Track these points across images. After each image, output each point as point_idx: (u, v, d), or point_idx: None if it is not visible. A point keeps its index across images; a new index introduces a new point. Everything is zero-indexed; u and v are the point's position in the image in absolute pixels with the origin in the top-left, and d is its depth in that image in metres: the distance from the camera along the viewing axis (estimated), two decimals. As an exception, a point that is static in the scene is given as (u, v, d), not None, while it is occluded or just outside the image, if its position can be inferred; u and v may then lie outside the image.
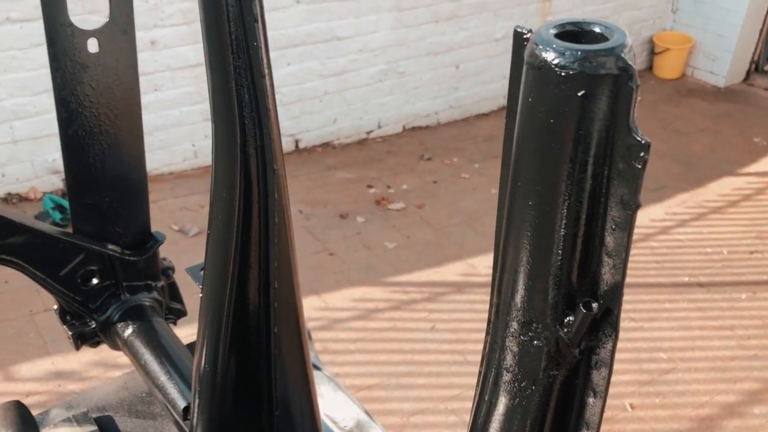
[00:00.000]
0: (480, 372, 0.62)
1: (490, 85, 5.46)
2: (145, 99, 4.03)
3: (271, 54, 3.61)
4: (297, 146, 4.78)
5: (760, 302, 3.76)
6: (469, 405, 2.74)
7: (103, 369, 2.92)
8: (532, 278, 0.49)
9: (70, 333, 1.38)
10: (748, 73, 6.35)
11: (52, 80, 1.23)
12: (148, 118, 4.04)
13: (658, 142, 5.36)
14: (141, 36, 3.86)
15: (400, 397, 3.02)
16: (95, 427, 1.27)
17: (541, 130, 0.46)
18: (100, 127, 1.28)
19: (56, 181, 4.01)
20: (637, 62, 6.30)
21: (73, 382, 2.84)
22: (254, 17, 0.73)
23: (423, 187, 4.56)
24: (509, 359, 0.55)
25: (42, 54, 3.70)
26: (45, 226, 1.29)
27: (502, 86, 5.54)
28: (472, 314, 3.53)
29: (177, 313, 1.53)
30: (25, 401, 2.68)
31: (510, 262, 0.51)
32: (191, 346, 1.41)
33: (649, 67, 6.45)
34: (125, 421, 1.31)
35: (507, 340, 0.54)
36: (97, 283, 1.38)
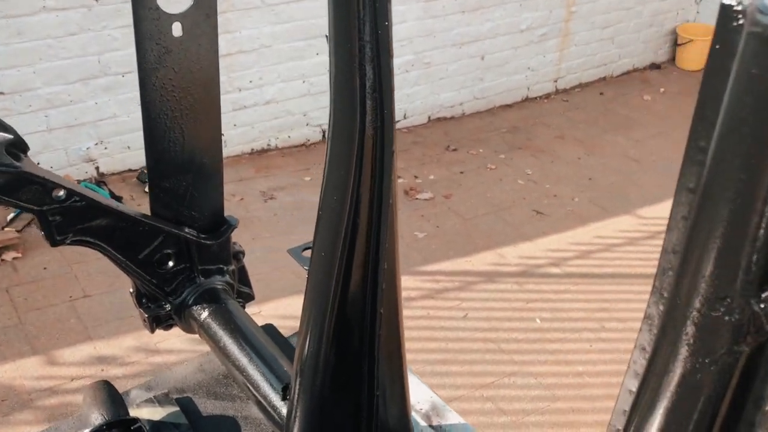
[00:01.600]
0: (637, 346, 0.63)
1: (514, 76, 5.45)
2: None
3: (300, 43, 3.70)
4: (324, 136, 4.80)
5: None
6: (504, 393, 2.76)
7: (144, 354, 2.96)
8: (729, 250, 0.50)
9: (146, 316, 1.41)
10: (773, 64, 6.31)
11: (137, 63, 1.25)
12: (179, 108, 4.06)
13: (682, 133, 5.24)
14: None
15: (436, 384, 3.04)
16: (177, 408, 1.29)
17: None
18: (181, 111, 1.30)
19: (90, 170, 4.05)
20: (660, 54, 6.30)
21: (115, 367, 2.87)
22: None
23: (450, 177, 4.57)
24: (691, 334, 0.56)
25: (76, 42, 3.72)
26: (127, 209, 1.31)
27: (526, 77, 5.54)
28: (504, 303, 3.55)
29: (245, 297, 1.55)
30: (71, 385, 2.73)
31: (701, 234, 0.52)
32: (266, 329, 1.43)
33: (672, 59, 6.43)
34: (205, 402, 1.33)
35: (691, 314, 0.55)
36: (173, 266, 1.40)
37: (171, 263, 1.40)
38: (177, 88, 1.28)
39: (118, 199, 3.86)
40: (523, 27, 5.27)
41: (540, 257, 3.91)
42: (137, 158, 4.11)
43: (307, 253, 1.15)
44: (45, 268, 3.41)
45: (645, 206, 4.44)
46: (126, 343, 3.01)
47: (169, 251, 1.39)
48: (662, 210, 4.40)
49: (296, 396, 1.00)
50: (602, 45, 5.87)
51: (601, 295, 3.67)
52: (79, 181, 4.00)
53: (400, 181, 4.49)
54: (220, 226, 1.44)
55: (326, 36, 0.84)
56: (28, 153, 1.17)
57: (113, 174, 4.10)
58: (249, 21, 4.15)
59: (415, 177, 4.54)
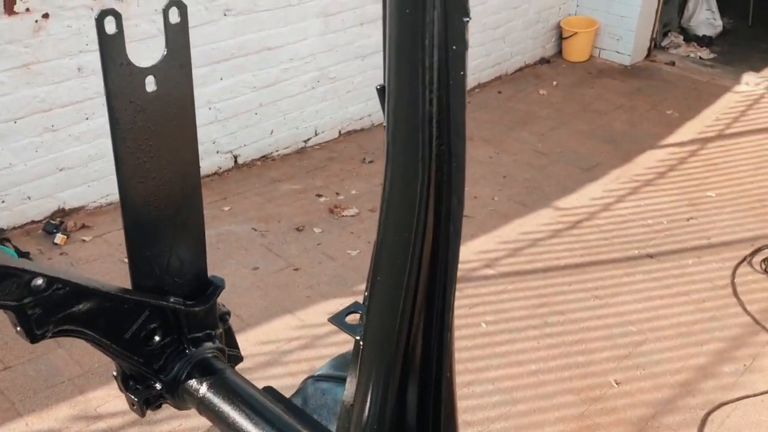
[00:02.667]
0: None
1: (417, 82, 5.48)
2: (77, 129, 3.79)
3: (203, 69, 3.56)
4: (236, 162, 4.63)
5: (705, 266, 3.99)
6: (466, 404, 2.79)
7: (85, 422, 2.72)
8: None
9: (136, 399, 1.27)
10: (649, 50, 6.72)
11: (110, 125, 1.12)
12: (82, 149, 3.80)
13: (581, 123, 5.58)
14: (66, 63, 3.62)
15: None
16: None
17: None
18: (159, 171, 1.18)
19: (-14, 227, 3.70)
20: (548, 48, 6.54)
21: (55, 442, 2.63)
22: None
23: (372, 190, 4.53)
24: None
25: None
26: (109, 286, 1.17)
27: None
28: (448, 312, 3.55)
29: (234, 360, 1.44)
30: (9, 471, 2.46)
31: None
32: (267, 392, 1.33)
33: (559, 52, 6.70)
34: (218, 485, 1.21)
35: None
36: (160, 341, 1.27)
37: (158, 338, 1.27)
38: (153, 148, 1.16)
39: (25, 255, 3.55)
40: (420, 34, 5.31)
41: (473, 260, 3.95)
42: (40, 208, 3.80)
43: (353, 318, 1.06)
44: (-47, 343, 3.08)
45: (561, 198, 4.59)
46: (61, 413, 2.76)
47: (155, 325, 1.26)
48: (577, 199, 4.57)
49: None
50: (495, 45, 6.03)
51: (537, 291, 3.75)
52: (-22, 240, 3.65)
53: (322, 200, 4.41)
54: (205, 289, 1.32)
55: (377, 88, 0.77)
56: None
57: (15, 228, 3.76)
58: (146, 50, 3.93)
59: (337, 194, 4.47)
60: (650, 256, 4.07)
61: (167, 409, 2.74)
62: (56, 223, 3.73)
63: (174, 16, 1.10)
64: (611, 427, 2.95)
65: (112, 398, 2.83)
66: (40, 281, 1.05)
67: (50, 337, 1.09)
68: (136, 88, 1.10)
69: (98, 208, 4.03)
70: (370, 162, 4.85)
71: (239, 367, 2.94)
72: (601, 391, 3.12)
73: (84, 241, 3.80)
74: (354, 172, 4.72)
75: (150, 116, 1.14)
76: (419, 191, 0.72)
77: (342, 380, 1.46)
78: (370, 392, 0.89)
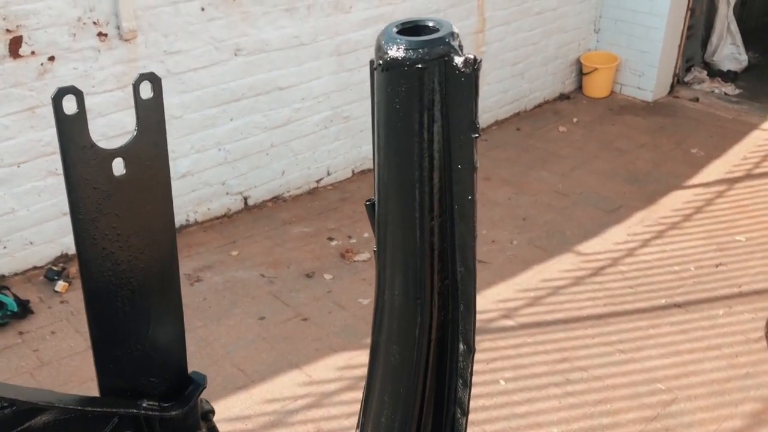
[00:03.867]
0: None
1: (433, 120, 5.36)
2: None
3: (212, 110, 3.41)
4: (246, 204, 4.51)
5: (737, 317, 3.78)
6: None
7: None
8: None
9: None
10: (672, 86, 6.55)
11: (70, 214, 0.99)
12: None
13: (603, 162, 5.41)
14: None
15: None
16: None
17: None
18: (130, 260, 1.04)
19: (-13, 273, 3.59)
20: (568, 84, 6.40)
21: None
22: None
23: (385, 233, 4.37)
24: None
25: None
26: (68, 397, 1.03)
27: (444, 120, 5.45)
28: (464, 367, 3.36)
29: (219, 462, 1.28)
30: None
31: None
32: None
33: (579, 87, 6.56)
34: None
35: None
36: (133, 451, 1.12)
37: (130, 448, 1.12)
38: (122, 236, 1.02)
39: (25, 303, 3.43)
40: (436, 71, 5.19)
41: (491, 310, 3.77)
42: (42, 254, 3.69)
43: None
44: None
45: (583, 242, 4.40)
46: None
47: (125, 432, 1.11)
48: (600, 244, 4.38)
49: None
50: (514, 81, 5.90)
51: (558, 344, 3.55)
52: (-25, 288, 3.54)
53: (333, 243, 4.26)
54: (185, 387, 1.17)
55: (366, 204, 0.63)
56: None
57: (16, 274, 3.65)
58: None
59: (349, 237, 4.32)
60: (678, 305, 3.86)
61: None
62: (58, 269, 3.62)
63: (146, 91, 0.97)
64: (640, 499, 2.73)
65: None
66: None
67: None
68: (102, 172, 0.97)
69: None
70: (384, 203, 4.70)
71: (239, 427, 2.73)
72: (629, 457, 2.91)
73: (87, 287, 3.67)
74: (366, 215, 4.57)
75: (117, 202, 1.00)
76: (417, 339, 0.57)
77: None
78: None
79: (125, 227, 1.01)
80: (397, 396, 0.64)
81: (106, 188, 0.97)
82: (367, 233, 4.37)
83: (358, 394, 3.38)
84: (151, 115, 0.98)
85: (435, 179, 0.52)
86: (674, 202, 4.89)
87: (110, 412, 1.05)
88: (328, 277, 3.95)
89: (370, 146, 3.97)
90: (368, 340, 3.19)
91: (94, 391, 3.08)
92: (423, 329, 0.59)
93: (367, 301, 3.76)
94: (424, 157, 0.50)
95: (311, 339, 3.47)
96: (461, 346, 0.60)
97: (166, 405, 1.13)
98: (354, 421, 3.04)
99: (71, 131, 0.92)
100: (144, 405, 1.10)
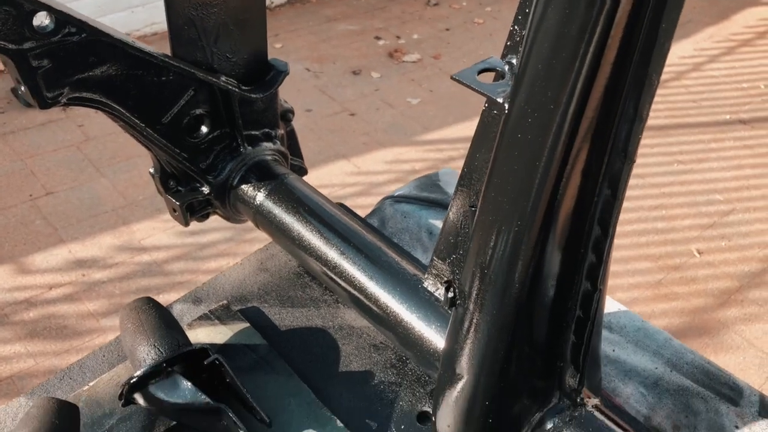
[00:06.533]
0: None
1: None
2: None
3: None
4: (290, -2, 4.24)
5: (806, 135, 3.58)
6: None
7: (130, 254, 2.58)
8: None
9: (177, 204, 1.03)
10: None
11: None
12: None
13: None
14: None
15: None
16: (246, 324, 0.95)
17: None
18: None
19: None
20: None
21: (98, 270, 2.50)
22: None
23: (435, 35, 4.12)
24: None
25: None
26: (144, 46, 0.90)
27: None
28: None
29: (297, 171, 1.18)
30: (50, 294, 2.36)
31: None
32: (340, 206, 1.08)
33: None
34: (279, 312, 0.99)
35: None
36: (208, 132, 1.02)
37: (205, 128, 1.02)
38: None
39: None
40: None
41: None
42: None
43: (488, 77, 0.77)
44: (-6, 166, 2.93)
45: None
46: (105, 242, 2.63)
47: (202, 111, 1.00)
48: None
49: (474, 302, 0.66)
50: None
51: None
52: None
53: (381, 43, 4.04)
54: (265, 73, 1.04)
55: None
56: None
57: None
58: None
59: (398, 37, 4.08)
60: (743, 122, 3.65)
61: (215, 246, 2.51)
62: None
63: None
64: (690, 297, 2.70)
65: (157, 232, 2.67)
66: (47, 21, 0.77)
67: (65, 104, 0.83)
68: None
69: (142, 37, 3.74)
70: (435, 5, 4.40)
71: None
72: (681, 259, 2.85)
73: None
74: (417, 15, 4.30)
75: None
76: None
77: (428, 202, 1.20)
78: (499, 212, 0.61)
79: None
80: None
81: None
82: (417, 35, 4.12)
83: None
84: None
85: None
86: (748, 18, 4.52)
87: (188, 73, 0.93)
88: (375, 75, 3.76)
89: None
90: (420, 138, 3.05)
91: (141, 168, 3.01)
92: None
93: (417, 101, 3.61)
94: None
95: (359, 133, 3.36)
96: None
97: (246, 88, 1.01)
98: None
99: None
100: (222, 79, 0.98)
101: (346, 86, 3.67)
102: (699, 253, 2.89)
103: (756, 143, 3.51)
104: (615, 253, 2.91)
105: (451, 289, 0.69)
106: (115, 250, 2.60)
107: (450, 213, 0.76)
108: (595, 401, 0.74)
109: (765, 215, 3.09)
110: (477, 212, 0.65)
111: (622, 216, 2.86)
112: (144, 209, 2.78)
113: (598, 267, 0.63)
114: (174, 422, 0.81)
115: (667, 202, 3.12)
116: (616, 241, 2.84)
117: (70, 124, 3.18)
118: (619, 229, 2.59)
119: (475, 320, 0.67)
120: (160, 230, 2.67)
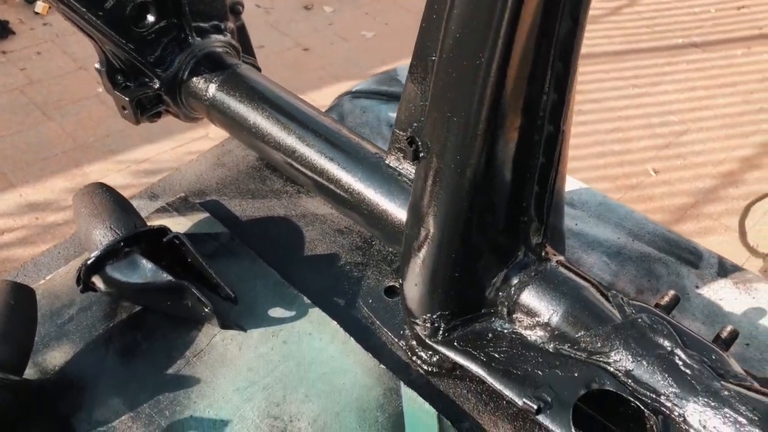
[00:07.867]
0: None
1: None
2: None
3: None
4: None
5: (756, 56, 3.64)
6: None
7: (84, 196, 2.50)
8: None
9: (126, 100, 0.99)
10: None
11: None
12: None
13: None
14: None
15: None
16: (206, 214, 0.93)
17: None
18: None
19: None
20: None
21: (52, 213, 2.43)
22: None
23: (388, -32, 4.04)
24: None
25: None
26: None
27: None
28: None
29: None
30: (3, 239, 2.29)
31: None
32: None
33: None
34: (239, 203, 0.97)
35: None
36: (154, 22, 0.97)
37: (151, 17, 0.97)
38: None
39: (4, 23, 3.17)
40: None
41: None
42: (16, -28, 3.35)
43: None
44: (-67, 112, 2.80)
45: (599, -18, 4.11)
46: (57, 186, 2.55)
47: (146, 0, 0.95)
48: (618, -16, 4.09)
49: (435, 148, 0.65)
50: None
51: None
52: (-53, 7, 3.25)
53: (333, -23, 3.93)
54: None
55: None
56: None
57: (-10, -5, 3.35)
58: None
59: (350, -29, 3.98)
60: (695, 45, 3.69)
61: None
62: (36, -11, 3.32)
63: None
64: (648, 214, 2.73)
65: (111, 173, 2.61)
66: None
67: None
68: None
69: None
70: (387, -63, 4.30)
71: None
72: (638, 179, 2.90)
73: (69, 13, 3.39)
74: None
75: None
76: None
77: (388, 96, 1.18)
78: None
79: None
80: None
81: None
82: (369, -32, 4.03)
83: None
84: None
85: None
86: (698, -56, 4.53)
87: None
88: (328, 9, 3.68)
89: None
90: (376, 70, 2.99)
91: (90, 110, 2.89)
92: None
93: (372, 34, 3.55)
94: None
95: (313, 68, 3.30)
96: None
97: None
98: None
99: None
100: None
101: (298, 21, 3.58)
102: (655, 173, 2.94)
103: (708, 65, 3.56)
104: (573, 176, 2.93)
105: (414, 143, 0.68)
106: (68, 192, 2.52)
107: (408, 82, 0.75)
108: (560, 258, 0.75)
109: (718, 134, 3.15)
110: (437, 57, 0.63)
111: (580, 140, 2.88)
112: (96, 150, 2.70)
113: (560, 106, 0.63)
114: (137, 308, 0.80)
115: (623, 125, 3.15)
116: (574, 164, 2.87)
117: (11, 67, 3.05)
118: (577, 152, 2.60)
119: (438, 169, 0.66)
120: (114, 171, 2.60)
